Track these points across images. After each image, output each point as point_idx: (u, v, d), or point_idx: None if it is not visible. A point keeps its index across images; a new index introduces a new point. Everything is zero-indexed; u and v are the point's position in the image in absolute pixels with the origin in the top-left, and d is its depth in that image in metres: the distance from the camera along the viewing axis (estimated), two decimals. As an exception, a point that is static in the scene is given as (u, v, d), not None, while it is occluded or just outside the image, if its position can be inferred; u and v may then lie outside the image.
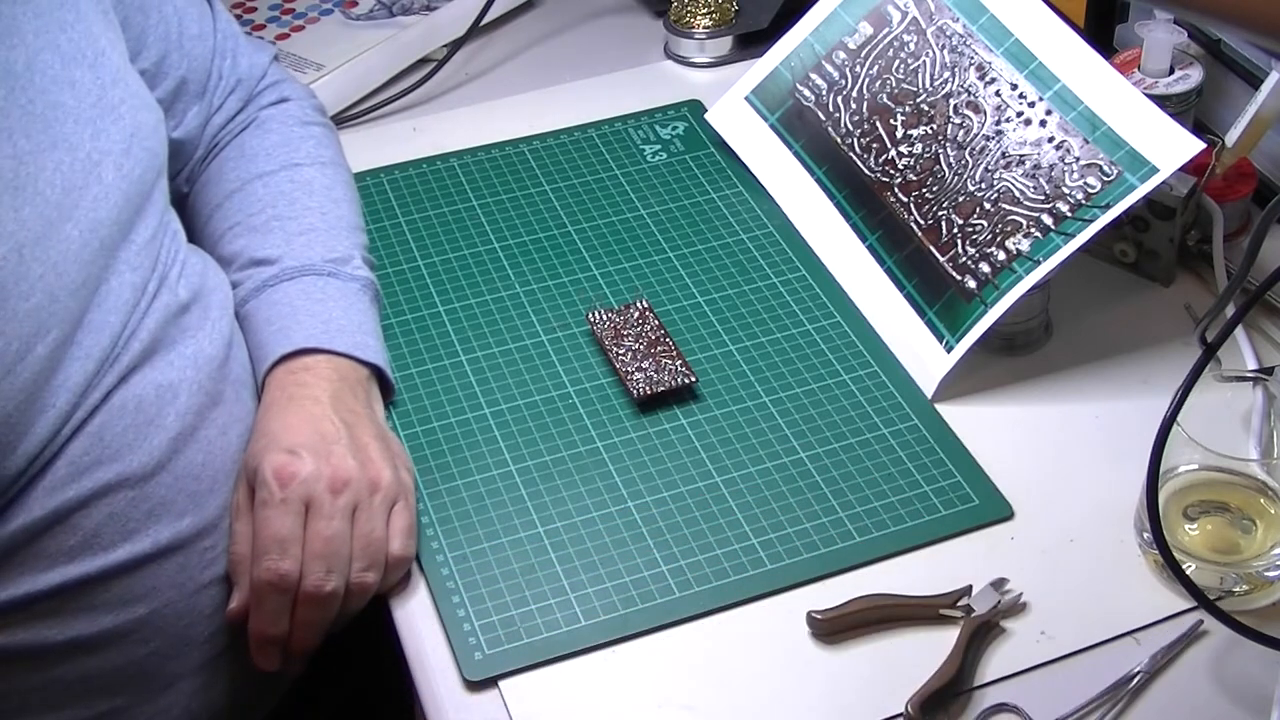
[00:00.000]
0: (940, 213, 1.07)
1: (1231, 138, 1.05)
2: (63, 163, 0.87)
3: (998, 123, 1.06)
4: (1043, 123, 1.04)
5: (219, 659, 0.94)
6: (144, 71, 1.02)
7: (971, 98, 1.08)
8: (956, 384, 1.02)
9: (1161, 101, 1.07)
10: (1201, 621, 0.86)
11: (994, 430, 1.00)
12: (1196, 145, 0.98)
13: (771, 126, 1.20)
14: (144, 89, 0.97)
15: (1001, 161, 1.05)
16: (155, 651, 0.91)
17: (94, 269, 0.88)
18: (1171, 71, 1.13)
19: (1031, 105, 1.05)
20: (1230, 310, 0.80)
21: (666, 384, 1.02)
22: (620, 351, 1.05)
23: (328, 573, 0.88)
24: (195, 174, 1.10)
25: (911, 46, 1.13)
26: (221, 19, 1.11)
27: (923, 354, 1.04)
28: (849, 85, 1.15)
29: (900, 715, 0.83)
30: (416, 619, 0.91)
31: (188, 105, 1.07)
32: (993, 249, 1.03)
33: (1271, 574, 0.87)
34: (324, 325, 0.98)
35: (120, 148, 0.91)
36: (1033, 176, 1.03)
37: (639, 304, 1.09)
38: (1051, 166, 1.03)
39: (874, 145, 1.12)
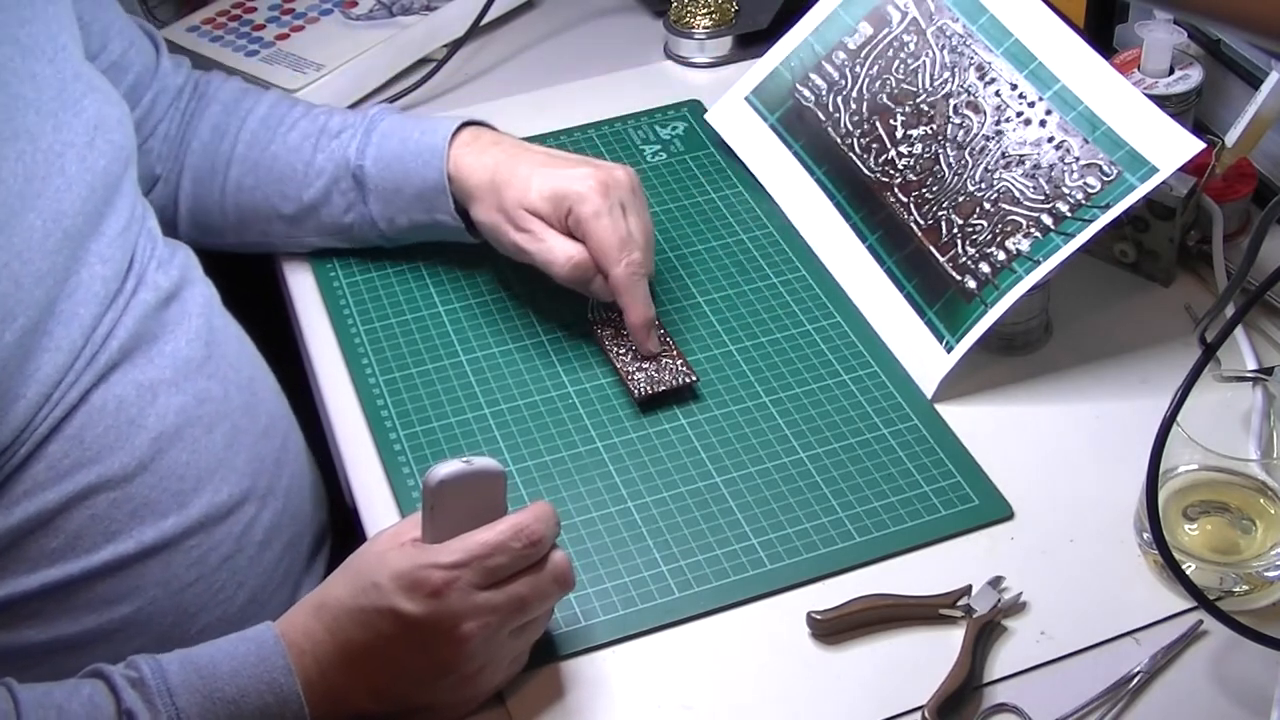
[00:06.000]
0: (940, 213, 1.07)
1: (1231, 138, 1.05)
2: (24, 153, 0.87)
3: (997, 123, 1.06)
4: (1042, 123, 1.04)
5: None
6: (113, 64, 1.06)
7: (971, 98, 1.08)
8: (956, 384, 1.02)
9: (1161, 101, 1.07)
10: (1201, 621, 0.86)
11: (994, 430, 1.00)
12: (1196, 145, 0.98)
13: (771, 127, 1.20)
14: (107, 84, 0.98)
15: (1001, 161, 1.05)
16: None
17: (60, 258, 0.88)
18: (1171, 71, 1.13)
19: (1031, 105, 1.05)
20: (1230, 310, 0.80)
21: (667, 384, 1.02)
22: (620, 351, 1.05)
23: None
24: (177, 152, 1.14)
25: (911, 47, 1.13)
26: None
27: (923, 354, 1.04)
28: (849, 85, 1.15)
29: (900, 715, 0.83)
30: (416, 619, 0.91)
31: (146, 89, 1.12)
32: (993, 249, 1.03)
33: (1271, 574, 0.87)
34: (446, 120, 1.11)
35: (83, 140, 0.91)
36: (1032, 176, 1.03)
37: (639, 304, 1.09)
38: (1051, 166, 1.03)
39: (874, 145, 1.12)
